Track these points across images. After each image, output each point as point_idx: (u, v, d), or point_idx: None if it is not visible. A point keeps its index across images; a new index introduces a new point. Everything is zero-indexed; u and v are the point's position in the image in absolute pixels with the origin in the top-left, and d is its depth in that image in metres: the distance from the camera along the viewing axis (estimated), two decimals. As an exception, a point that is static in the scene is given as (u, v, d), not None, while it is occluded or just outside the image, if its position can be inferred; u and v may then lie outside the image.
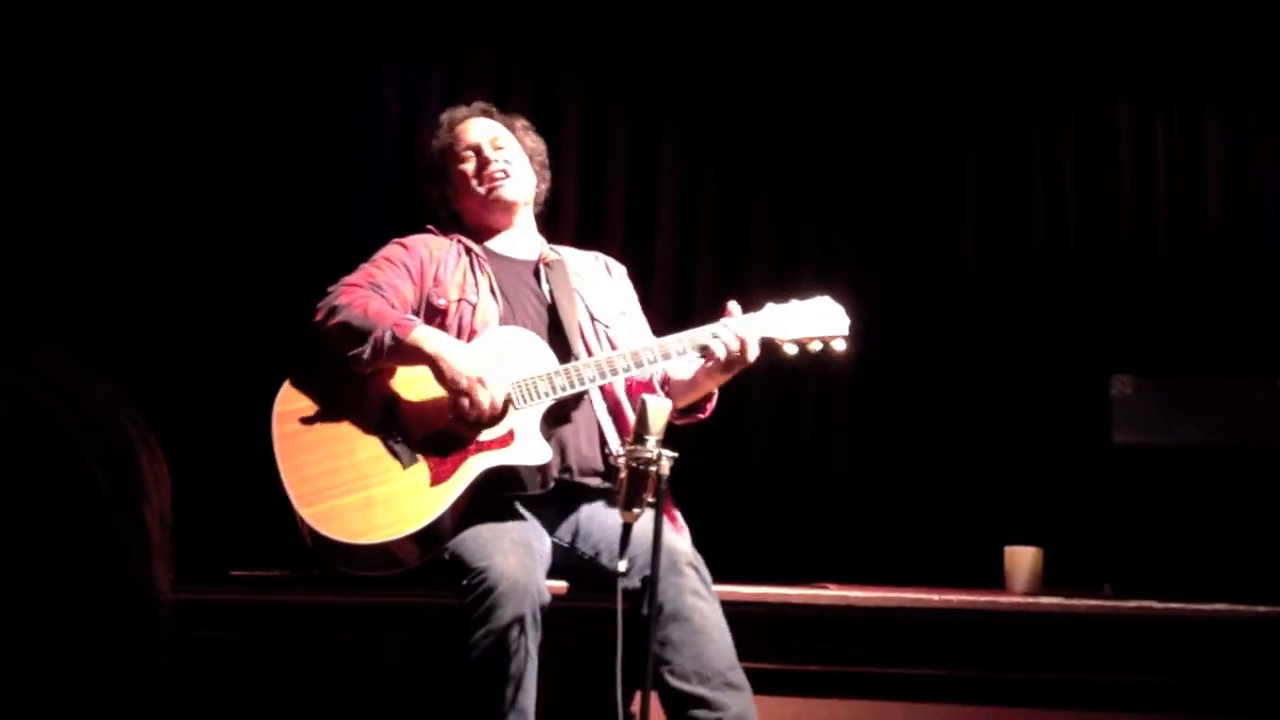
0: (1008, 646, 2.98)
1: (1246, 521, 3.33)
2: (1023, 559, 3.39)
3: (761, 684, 2.73)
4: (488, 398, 2.64)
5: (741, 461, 4.14)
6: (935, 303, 4.26)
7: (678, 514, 2.82)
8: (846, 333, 2.79)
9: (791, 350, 2.77)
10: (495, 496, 2.68)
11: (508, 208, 3.01)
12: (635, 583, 2.51)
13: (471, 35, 4.22)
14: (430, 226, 3.06)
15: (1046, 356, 4.14)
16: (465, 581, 2.49)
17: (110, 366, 0.65)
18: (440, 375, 2.66)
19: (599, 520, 2.75)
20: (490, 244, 3.00)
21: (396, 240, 2.99)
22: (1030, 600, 3.15)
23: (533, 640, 2.47)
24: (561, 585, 2.75)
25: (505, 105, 4.13)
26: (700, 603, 2.56)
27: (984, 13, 4.30)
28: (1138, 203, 4.27)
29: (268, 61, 3.96)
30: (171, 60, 3.87)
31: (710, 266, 4.25)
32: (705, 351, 2.72)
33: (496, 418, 2.68)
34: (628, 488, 2.19)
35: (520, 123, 3.13)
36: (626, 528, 2.24)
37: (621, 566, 2.28)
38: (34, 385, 0.58)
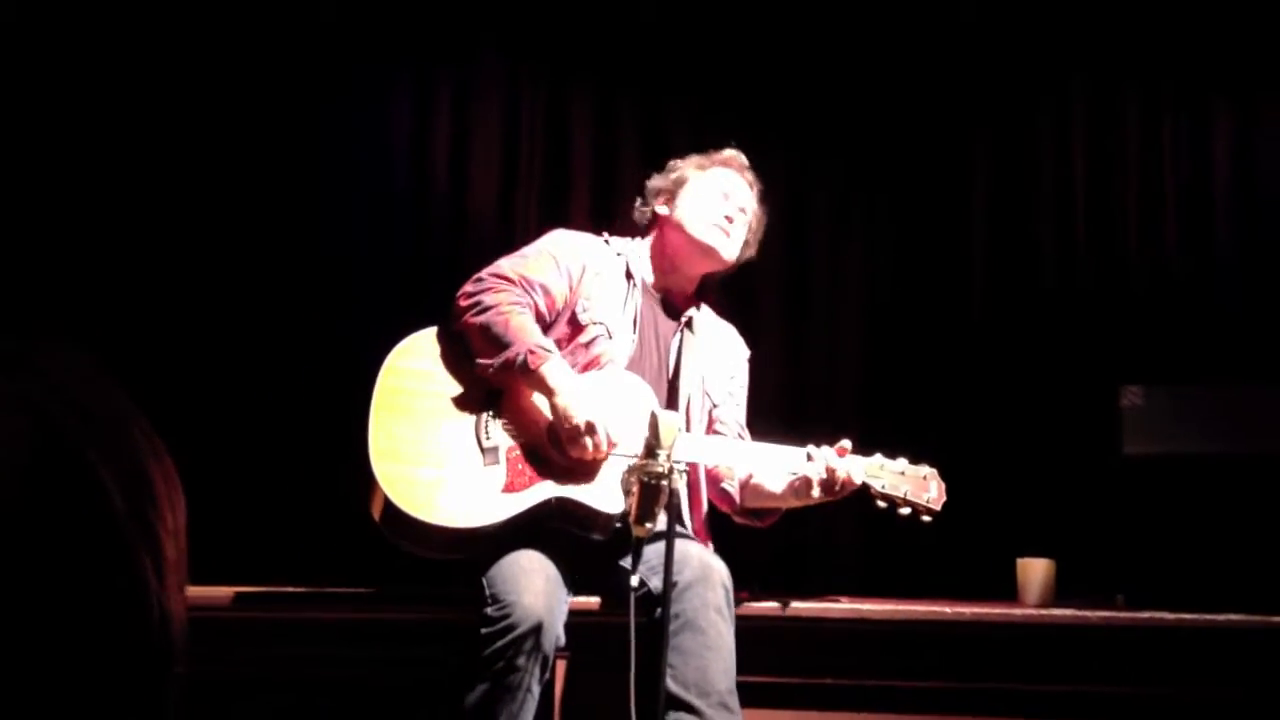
0: (1020, 659, 2.97)
1: (1259, 531, 3.32)
2: (1035, 571, 3.39)
3: (773, 698, 2.74)
4: (591, 444, 2.63)
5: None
6: (945, 313, 4.26)
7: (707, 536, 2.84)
8: (939, 510, 2.77)
9: (880, 504, 2.77)
10: (553, 527, 2.67)
11: (711, 257, 2.97)
12: (660, 584, 2.52)
13: (482, 45, 4.25)
14: (604, 232, 3.03)
15: (1056, 367, 4.14)
16: (489, 610, 2.48)
17: (121, 376, 0.65)
18: (554, 410, 2.65)
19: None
20: (654, 282, 2.98)
21: (567, 233, 2.96)
22: (1043, 612, 3.15)
23: (538, 682, 2.48)
24: (594, 601, 2.76)
25: (516, 115, 4.20)
26: (720, 621, 2.58)
27: (991, 14, 4.30)
28: (1146, 210, 4.26)
29: (277, 67, 4.00)
30: (180, 71, 3.90)
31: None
32: (803, 478, 2.72)
33: (594, 462, 2.68)
34: (640, 502, 2.20)
35: (762, 212, 3.08)
36: (639, 541, 2.25)
37: (634, 581, 2.29)
38: (48, 398, 0.58)
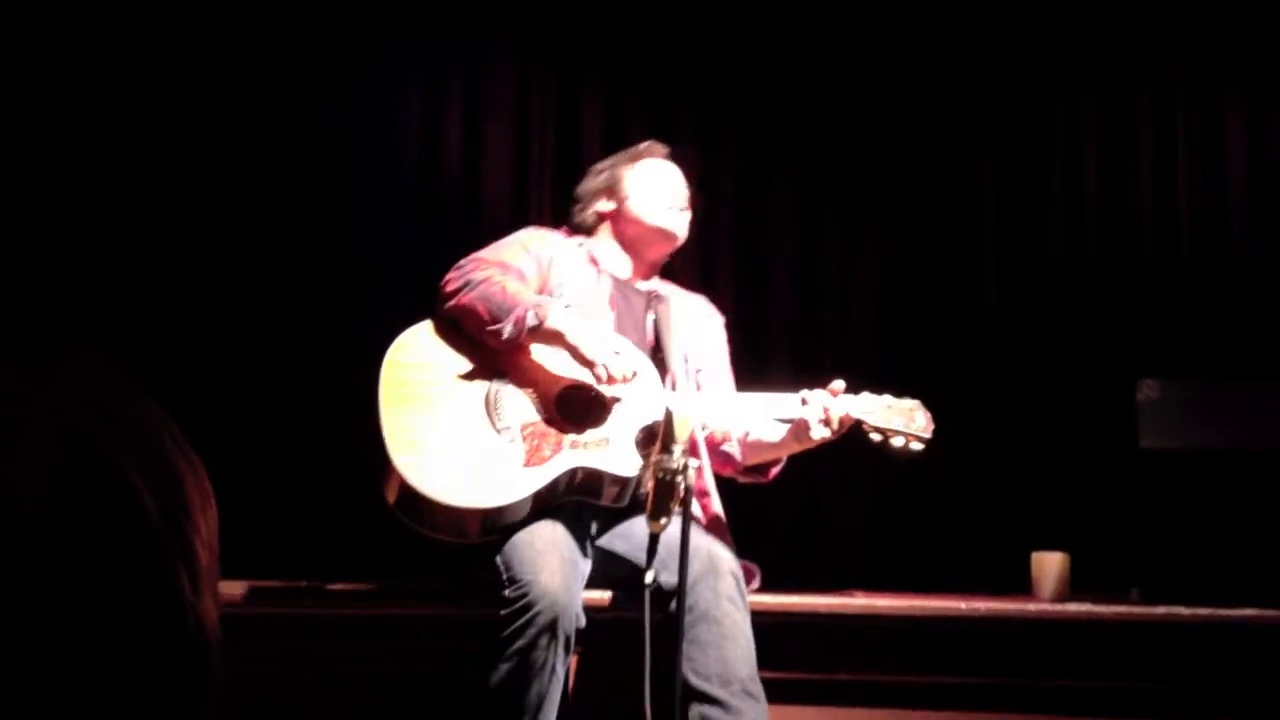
0: (1035, 653, 2.96)
1: (1275, 526, 3.31)
2: (1050, 565, 3.38)
3: (789, 693, 2.73)
4: (626, 365, 2.69)
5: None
6: (960, 309, 4.26)
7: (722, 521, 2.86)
8: (929, 438, 2.81)
9: (875, 438, 2.80)
10: (572, 500, 2.69)
11: (671, 240, 3.05)
12: (673, 580, 2.53)
13: (491, 40, 4.25)
14: (562, 228, 3.09)
15: (1072, 361, 4.13)
16: (507, 592, 2.50)
17: (145, 382, 0.65)
18: (577, 353, 2.68)
19: (639, 522, 2.76)
20: (615, 268, 3.03)
21: (532, 228, 3.05)
22: (1058, 607, 3.14)
23: (561, 662, 2.49)
24: (605, 596, 2.76)
25: (527, 107, 4.20)
26: (734, 609, 2.59)
27: (1002, 11, 4.29)
28: (1160, 204, 4.26)
29: (285, 63, 4.00)
30: (190, 69, 3.91)
31: (729, 276, 4.27)
32: (800, 421, 2.75)
33: (607, 426, 2.72)
34: (655, 498, 2.20)
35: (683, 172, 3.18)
36: (654, 537, 2.25)
37: (649, 577, 2.29)
38: (79, 410, 0.59)
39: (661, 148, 3.16)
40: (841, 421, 2.73)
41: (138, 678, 0.56)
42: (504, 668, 2.46)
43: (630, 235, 3.05)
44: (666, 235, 3.03)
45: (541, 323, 2.68)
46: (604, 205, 3.08)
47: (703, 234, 4.29)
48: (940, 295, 4.26)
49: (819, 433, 2.72)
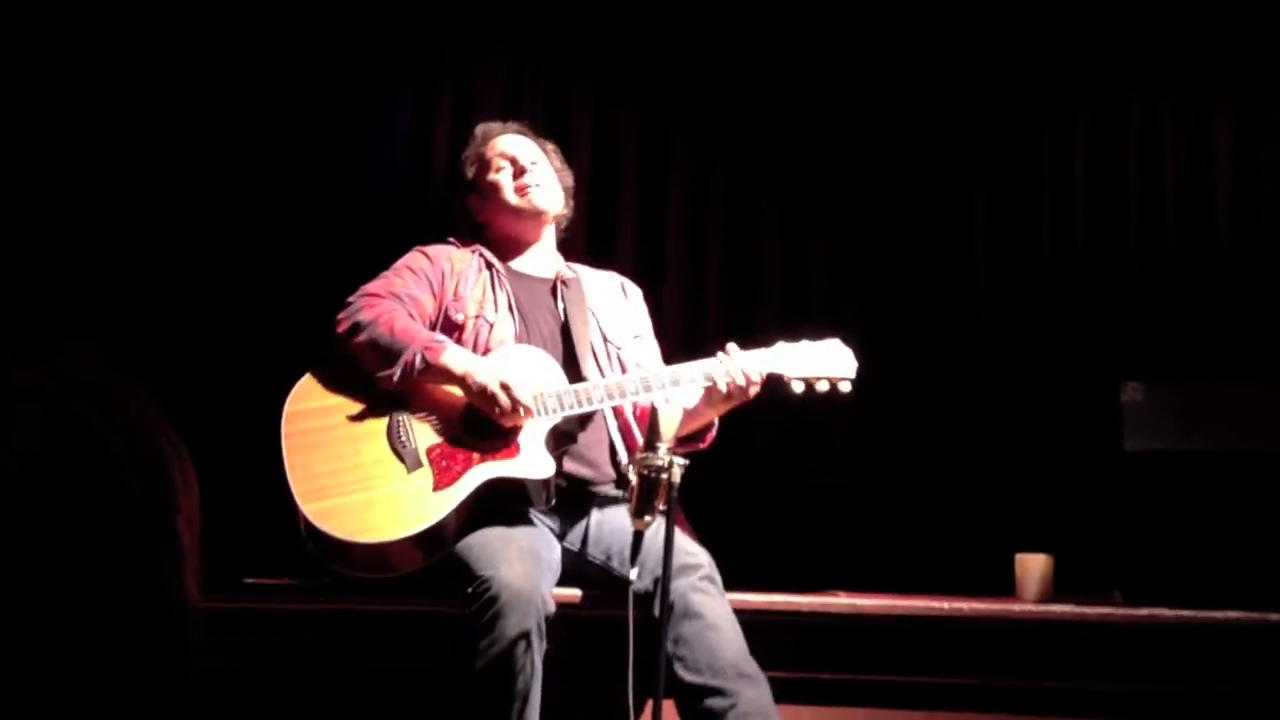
0: (1018, 654, 2.97)
1: (1258, 528, 3.32)
2: (1033, 566, 3.39)
3: (771, 692, 2.72)
4: (513, 398, 2.69)
5: (751, 469, 4.14)
6: (946, 310, 4.27)
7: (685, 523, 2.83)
8: (853, 376, 2.84)
9: (798, 388, 2.82)
10: (504, 509, 2.69)
11: (538, 216, 3.03)
12: (647, 584, 2.53)
13: (482, 44, 4.24)
14: (451, 239, 3.07)
15: (1057, 363, 4.14)
16: (469, 590, 2.50)
17: (134, 370, 0.65)
18: (468, 389, 2.71)
19: (609, 526, 2.76)
20: (512, 262, 3.03)
21: (419, 249, 3.02)
22: (1041, 608, 3.15)
23: (538, 652, 2.48)
24: (575, 593, 2.75)
25: (518, 116, 4.18)
26: (708, 599, 2.59)
27: (992, 23, 4.30)
28: (1146, 208, 4.27)
29: (276, 66, 3.99)
30: (183, 71, 3.90)
31: (720, 279, 4.27)
32: (711, 382, 2.75)
33: (512, 435, 2.73)
34: (639, 496, 2.20)
35: (551, 146, 3.16)
36: (638, 535, 2.25)
37: (633, 574, 2.29)
38: (67, 391, 0.59)
39: (490, 126, 3.14)
40: (747, 377, 2.74)
41: (119, 653, 0.56)
42: (480, 664, 2.46)
43: (504, 223, 3.05)
44: (530, 212, 3.01)
45: (430, 365, 2.70)
46: (472, 202, 3.09)
47: (692, 238, 4.31)
48: (927, 297, 4.27)
49: (729, 388, 2.73)
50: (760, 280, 4.29)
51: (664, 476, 2.18)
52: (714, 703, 2.51)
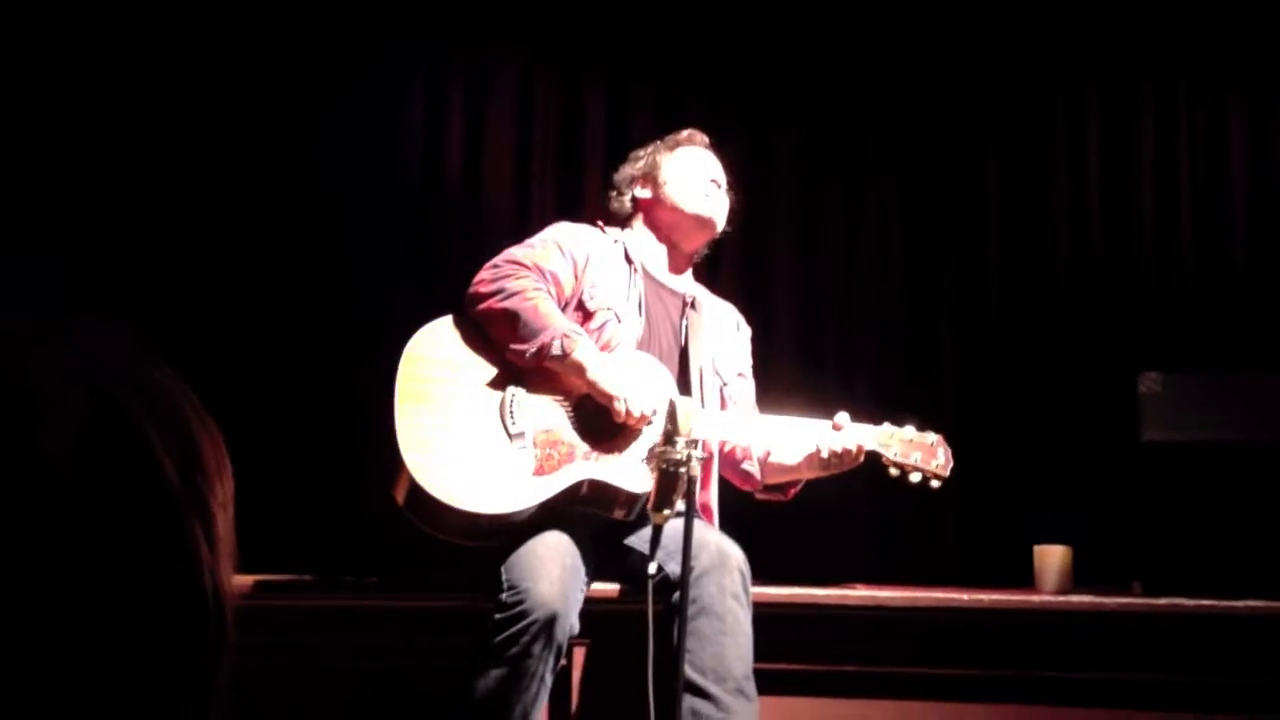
0: (1038, 646, 2.97)
1: (1277, 517, 3.31)
2: (1052, 558, 3.38)
3: (790, 685, 2.74)
4: (638, 407, 2.68)
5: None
6: (962, 301, 4.26)
7: (714, 512, 2.85)
8: (948, 475, 2.82)
9: (893, 472, 2.80)
10: (576, 510, 2.69)
11: (707, 226, 3.03)
12: (677, 570, 2.53)
13: (495, 42, 4.25)
14: (599, 221, 3.06)
15: (1074, 354, 4.13)
16: (504, 596, 2.50)
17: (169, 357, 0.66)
18: (594, 387, 2.69)
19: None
20: (650, 266, 3.01)
21: (568, 225, 2.99)
22: (1060, 599, 3.14)
23: (550, 671, 2.49)
24: (613, 588, 2.77)
25: (530, 112, 4.21)
26: (737, 607, 2.60)
27: (1006, 14, 4.29)
28: (1162, 198, 4.26)
29: (287, 63, 4.01)
30: (196, 65, 3.93)
31: (731, 272, 4.27)
32: (815, 449, 2.77)
33: (623, 440, 2.73)
34: (658, 489, 2.21)
35: (724, 163, 3.15)
36: (657, 528, 2.26)
37: (652, 568, 2.30)
38: (106, 379, 0.59)
39: (702, 137, 3.15)
40: (852, 454, 2.75)
41: (156, 636, 0.57)
42: (492, 674, 2.47)
43: (666, 223, 3.03)
44: (702, 221, 3.01)
45: (565, 355, 2.68)
46: (641, 192, 3.06)
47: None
48: (944, 289, 4.26)
49: (830, 460, 2.75)
50: (773, 278, 4.29)
51: (683, 470, 2.19)
52: (706, 709, 2.52)
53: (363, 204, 4.07)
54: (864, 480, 4.10)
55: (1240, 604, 2.96)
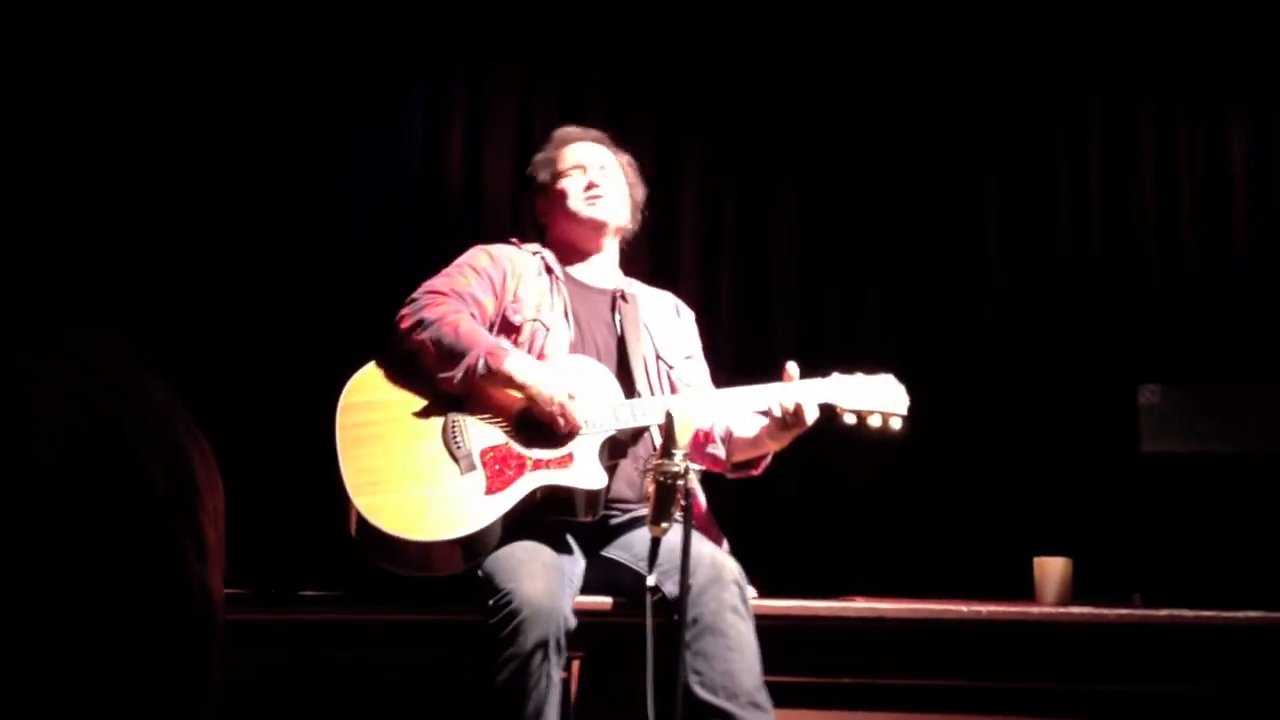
0: (1038, 657, 2.97)
1: (1276, 529, 3.31)
2: (1052, 569, 3.38)
3: (791, 697, 2.73)
4: (579, 413, 2.70)
5: (770, 473, 4.14)
6: (962, 314, 4.27)
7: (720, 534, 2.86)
8: (905, 413, 2.82)
9: (850, 420, 2.81)
10: (543, 520, 2.70)
11: (599, 228, 3.03)
12: (673, 590, 2.53)
13: (494, 53, 4.26)
14: (513, 239, 3.08)
15: (1074, 366, 4.13)
16: (491, 601, 2.50)
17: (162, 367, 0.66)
18: (531, 397, 2.72)
19: (640, 533, 2.77)
20: (571, 268, 3.02)
21: (482, 247, 3.01)
22: (1060, 611, 3.14)
23: (555, 667, 2.48)
24: (606, 601, 2.77)
25: (529, 124, 4.21)
26: (739, 620, 2.59)
27: (1006, 27, 4.31)
28: (1163, 211, 4.27)
29: (287, 75, 4.02)
30: (192, 74, 3.94)
31: (733, 282, 4.28)
32: (766, 412, 2.76)
33: (567, 444, 2.73)
34: (656, 502, 2.21)
35: (627, 159, 3.16)
36: (655, 542, 2.26)
37: (651, 580, 2.30)
38: (92, 384, 0.60)
39: (568, 131, 3.16)
40: (801, 408, 2.70)
41: (142, 654, 0.57)
42: (498, 679, 2.46)
43: (566, 231, 3.05)
44: (593, 225, 3.02)
45: (492, 371, 2.70)
46: (540, 205, 3.10)
47: (707, 244, 4.32)
48: (943, 299, 4.27)
49: (782, 418, 2.71)
50: (774, 285, 4.30)
51: (680, 483, 2.20)
52: None
53: (362, 216, 4.07)
54: (864, 486, 4.16)
55: (1240, 615, 2.96)
